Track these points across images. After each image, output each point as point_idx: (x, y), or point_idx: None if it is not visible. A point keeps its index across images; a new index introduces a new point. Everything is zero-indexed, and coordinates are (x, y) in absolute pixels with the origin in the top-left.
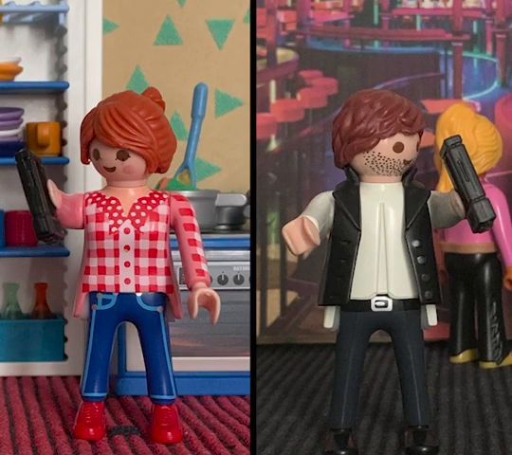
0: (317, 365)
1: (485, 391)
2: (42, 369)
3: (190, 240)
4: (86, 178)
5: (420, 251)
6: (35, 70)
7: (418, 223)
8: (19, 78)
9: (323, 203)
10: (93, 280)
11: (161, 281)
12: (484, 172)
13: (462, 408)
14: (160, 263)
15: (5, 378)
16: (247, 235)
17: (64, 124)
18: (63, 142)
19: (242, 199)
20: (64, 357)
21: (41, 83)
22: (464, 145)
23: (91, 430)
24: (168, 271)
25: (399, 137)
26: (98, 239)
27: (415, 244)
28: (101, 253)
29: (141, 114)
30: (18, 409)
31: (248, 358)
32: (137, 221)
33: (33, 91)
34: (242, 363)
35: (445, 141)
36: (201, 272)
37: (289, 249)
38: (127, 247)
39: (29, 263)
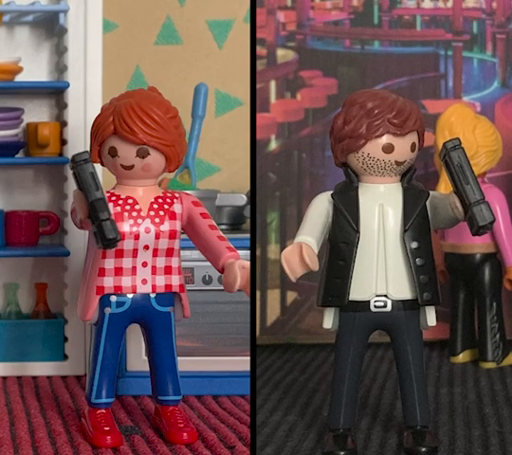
0: (317, 365)
1: (485, 391)
2: (42, 369)
3: (210, 225)
4: None
5: (419, 253)
6: (35, 70)
7: (417, 224)
8: (19, 77)
9: (322, 210)
10: (109, 281)
11: (175, 280)
12: (484, 172)
13: (462, 408)
14: (175, 262)
15: (5, 378)
16: (248, 235)
17: (64, 124)
18: (63, 142)
19: (242, 199)
20: (64, 357)
21: (41, 83)
22: (463, 148)
23: (109, 438)
24: (180, 270)
25: (389, 138)
26: None
27: (414, 245)
28: (120, 254)
29: (163, 111)
30: (18, 409)
31: (248, 358)
32: (157, 220)
33: (33, 91)
34: (242, 363)
35: (444, 144)
36: (231, 249)
37: (287, 273)
38: (146, 247)
39: (30, 263)
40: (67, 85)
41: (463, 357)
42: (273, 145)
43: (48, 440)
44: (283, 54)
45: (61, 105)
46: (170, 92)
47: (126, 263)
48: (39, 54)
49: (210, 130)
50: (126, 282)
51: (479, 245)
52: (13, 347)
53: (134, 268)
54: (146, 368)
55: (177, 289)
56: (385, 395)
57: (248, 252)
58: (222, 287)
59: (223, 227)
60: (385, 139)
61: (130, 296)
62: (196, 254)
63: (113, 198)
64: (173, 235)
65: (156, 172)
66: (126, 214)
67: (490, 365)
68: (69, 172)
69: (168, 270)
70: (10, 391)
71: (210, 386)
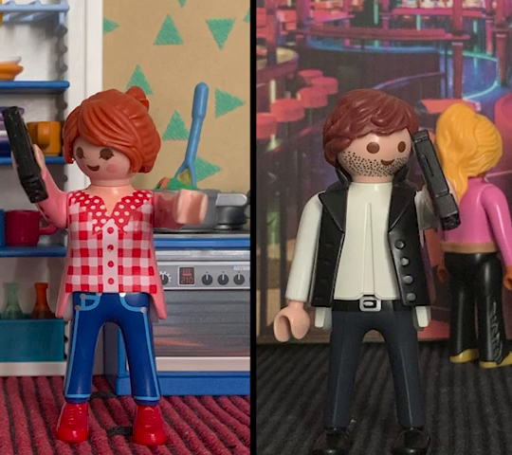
0: (317, 365)
1: (485, 390)
2: (42, 369)
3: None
4: (86, 178)
5: (403, 253)
6: (35, 70)
7: (403, 223)
8: (19, 77)
9: (313, 222)
10: (76, 280)
11: (145, 281)
12: (484, 172)
13: (462, 408)
14: (144, 262)
15: (5, 378)
16: (248, 235)
17: (64, 124)
18: (63, 142)
19: (242, 199)
20: (64, 357)
21: (41, 83)
22: (430, 140)
23: (74, 432)
24: (152, 271)
25: (373, 137)
26: (81, 238)
27: (399, 245)
28: (85, 253)
29: (125, 112)
30: (18, 409)
31: (248, 358)
32: (121, 220)
33: (33, 90)
34: (242, 363)
35: (411, 137)
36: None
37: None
38: (110, 247)
39: (29, 262)
40: (67, 85)
41: (463, 357)
42: (273, 145)
43: (48, 440)
44: (283, 54)
45: (61, 105)
46: (170, 92)
47: (92, 262)
48: (39, 54)
49: (210, 130)
50: (93, 280)
51: (479, 245)
52: (14, 347)
53: (100, 268)
54: None
55: (147, 290)
56: (385, 395)
57: (248, 252)
58: (222, 287)
59: (223, 226)
60: (370, 139)
61: (99, 295)
62: (196, 254)
63: (81, 198)
64: (137, 236)
65: (123, 173)
66: (91, 214)
67: (490, 365)
68: (69, 172)
69: (136, 271)
70: (11, 391)
71: (211, 386)
